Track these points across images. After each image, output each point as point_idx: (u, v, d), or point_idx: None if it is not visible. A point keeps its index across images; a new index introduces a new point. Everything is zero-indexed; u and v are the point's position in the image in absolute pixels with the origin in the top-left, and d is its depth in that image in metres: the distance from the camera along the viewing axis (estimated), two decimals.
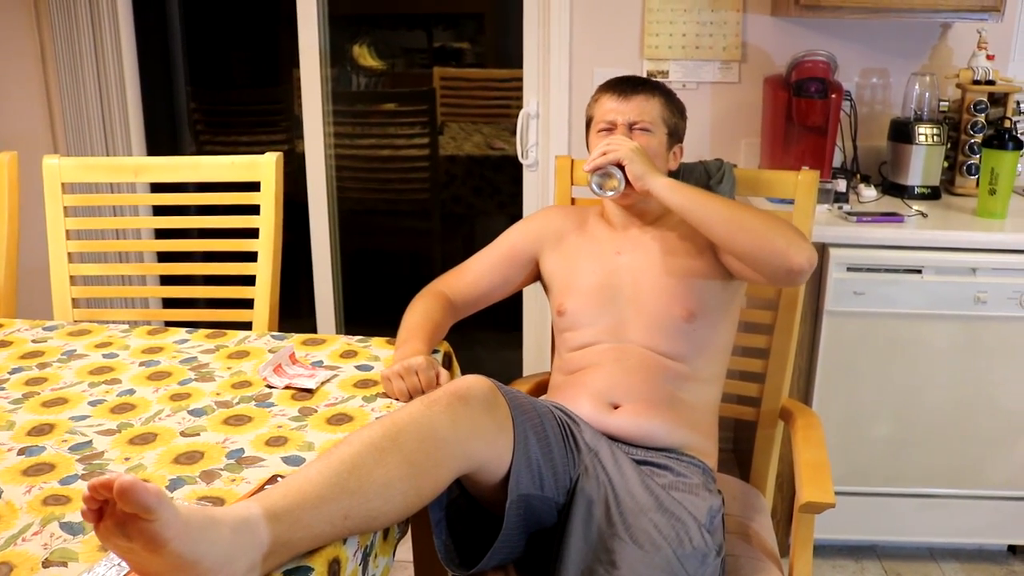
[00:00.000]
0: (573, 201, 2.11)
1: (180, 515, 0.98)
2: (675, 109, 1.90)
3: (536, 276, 1.96)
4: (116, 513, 0.95)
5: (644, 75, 2.83)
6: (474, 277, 1.92)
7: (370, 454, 1.21)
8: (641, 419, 1.68)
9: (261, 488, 1.23)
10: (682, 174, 2.13)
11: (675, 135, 1.90)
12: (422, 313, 1.78)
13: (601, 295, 1.81)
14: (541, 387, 2.00)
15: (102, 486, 0.94)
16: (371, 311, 3.70)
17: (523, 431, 1.45)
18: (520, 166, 3.04)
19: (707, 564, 1.49)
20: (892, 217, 2.37)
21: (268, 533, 1.07)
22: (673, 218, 1.81)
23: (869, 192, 2.57)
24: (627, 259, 1.83)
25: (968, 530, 2.52)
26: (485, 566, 1.45)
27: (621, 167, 1.72)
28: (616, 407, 1.70)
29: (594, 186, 1.76)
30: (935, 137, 2.56)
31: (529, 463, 1.45)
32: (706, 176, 2.13)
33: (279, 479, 1.25)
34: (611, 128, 1.83)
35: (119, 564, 1.07)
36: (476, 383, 1.40)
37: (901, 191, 2.61)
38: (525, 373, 3.19)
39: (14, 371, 1.69)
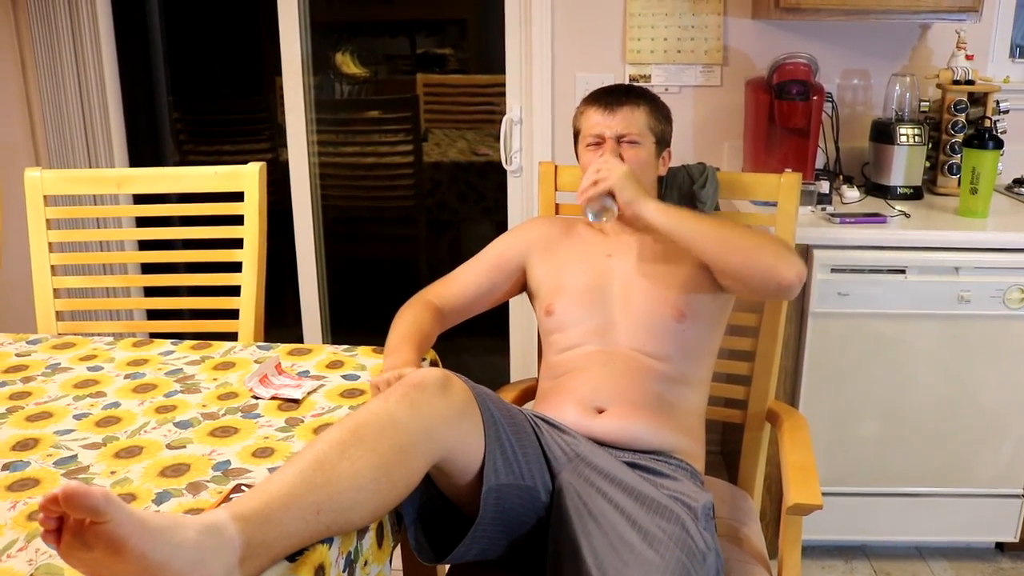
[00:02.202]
0: (557, 208, 2.11)
1: (134, 515, 0.96)
2: (661, 116, 1.91)
3: (523, 285, 1.96)
4: (71, 525, 0.94)
5: (626, 79, 2.84)
6: (461, 286, 1.92)
7: (333, 450, 1.21)
8: (626, 422, 1.68)
9: (226, 498, 1.22)
10: (666, 178, 2.13)
11: (663, 141, 1.92)
12: (411, 322, 1.78)
13: (590, 295, 1.82)
14: (528, 393, 2.00)
15: (49, 502, 0.93)
16: (357, 319, 3.70)
17: (491, 415, 1.45)
18: (504, 172, 3.04)
19: (707, 564, 1.49)
20: (875, 218, 2.38)
21: (238, 534, 1.05)
22: None
23: (852, 193, 2.58)
24: (618, 261, 1.84)
25: (956, 528, 2.53)
26: (462, 556, 1.45)
27: (612, 193, 1.73)
28: (601, 411, 1.71)
29: (589, 216, 1.76)
30: (916, 137, 2.57)
31: (503, 449, 1.45)
32: (689, 180, 2.14)
33: (242, 487, 1.25)
34: (600, 142, 1.85)
35: None
36: (429, 372, 1.40)
37: (884, 192, 2.62)
38: (512, 379, 3.19)
39: None
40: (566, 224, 1.96)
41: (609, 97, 1.88)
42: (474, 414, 1.42)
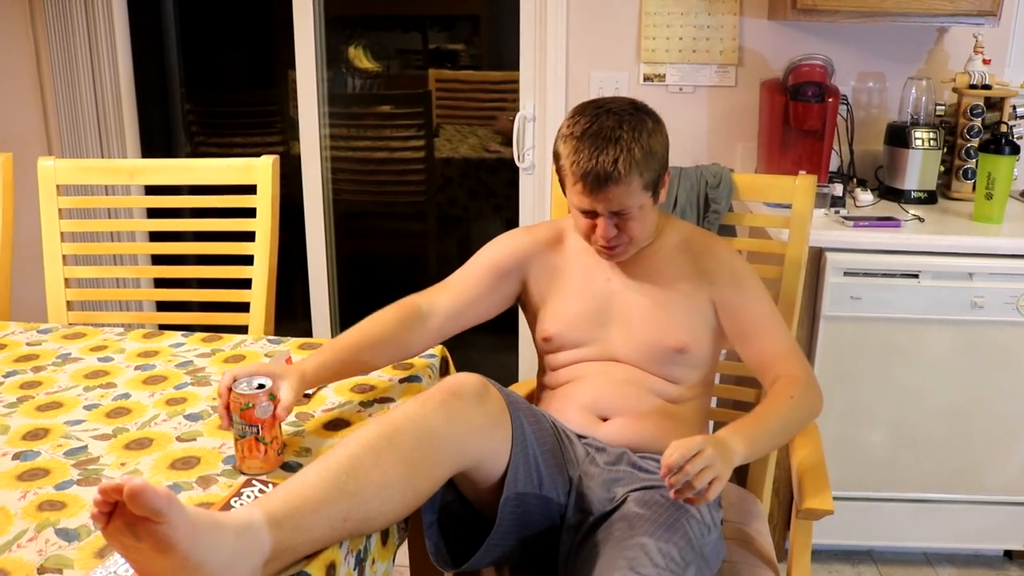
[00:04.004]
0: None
1: (188, 517, 0.99)
2: (652, 163, 1.59)
3: (515, 297, 1.83)
4: (126, 514, 0.96)
5: (641, 79, 2.83)
6: (456, 291, 1.75)
7: (367, 455, 1.22)
8: (630, 431, 1.66)
9: (236, 492, 1.23)
10: (680, 178, 2.12)
11: (658, 184, 1.65)
12: (361, 326, 1.66)
13: (588, 320, 1.73)
14: (533, 394, 1.98)
15: (112, 490, 0.95)
16: (366, 313, 3.67)
17: (520, 425, 1.45)
18: (516, 169, 3.04)
19: (710, 537, 1.51)
20: (889, 222, 2.37)
21: (270, 539, 1.08)
22: (664, 249, 1.73)
23: (866, 196, 2.57)
24: (618, 286, 1.74)
25: (964, 535, 2.52)
26: (477, 563, 1.45)
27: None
28: (605, 419, 1.69)
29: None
30: (931, 141, 2.56)
31: (527, 460, 1.45)
32: (703, 181, 2.13)
33: (254, 483, 1.26)
34: (593, 213, 1.63)
35: (115, 572, 1.06)
36: (467, 378, 1.40)
37: (898, 195, 2.61)
38: (521, 377, 3.18)
39: (8, 374, 1.68)
40: (554, 236, 1.81)
41: (596, 179, 1.55)
42: (506, 425, 1.43)
